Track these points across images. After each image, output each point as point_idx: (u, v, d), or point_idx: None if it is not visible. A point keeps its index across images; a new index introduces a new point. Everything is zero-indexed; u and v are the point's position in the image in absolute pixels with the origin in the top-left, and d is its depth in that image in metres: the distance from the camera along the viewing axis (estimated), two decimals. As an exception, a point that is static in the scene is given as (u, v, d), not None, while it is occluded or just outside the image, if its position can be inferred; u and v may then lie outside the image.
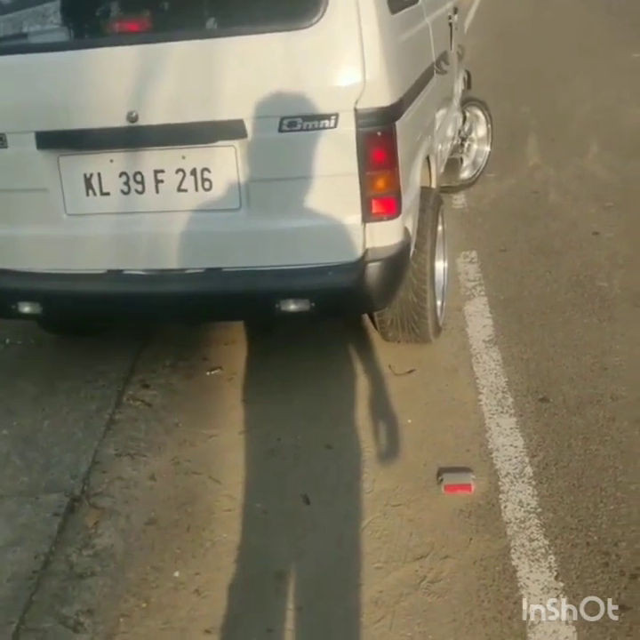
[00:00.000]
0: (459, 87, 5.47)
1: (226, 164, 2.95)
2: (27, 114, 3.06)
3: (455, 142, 5.25)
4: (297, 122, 2.84)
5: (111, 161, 3.04)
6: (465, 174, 5.70)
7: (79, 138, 3.03)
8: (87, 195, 3.10)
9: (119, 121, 2.91)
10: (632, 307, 3.92)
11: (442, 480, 2.87)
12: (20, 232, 3.23)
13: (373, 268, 2.97)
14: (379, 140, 2.88)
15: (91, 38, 3.41)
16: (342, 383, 3.54)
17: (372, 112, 2.84)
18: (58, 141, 3.05)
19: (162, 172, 3.01)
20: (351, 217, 2.94)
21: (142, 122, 2.91)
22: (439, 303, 3.76)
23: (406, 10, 3.46)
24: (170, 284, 3.13)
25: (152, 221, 3.10)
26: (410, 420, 3.24)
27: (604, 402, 3.23)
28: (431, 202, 3.58)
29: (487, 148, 5.85)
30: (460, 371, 3.57)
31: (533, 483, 2.85)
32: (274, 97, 2.85)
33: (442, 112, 4.35)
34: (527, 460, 2.96)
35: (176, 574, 2.59)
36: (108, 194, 3.08)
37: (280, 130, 2.86)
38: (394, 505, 2.81)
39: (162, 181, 3.02)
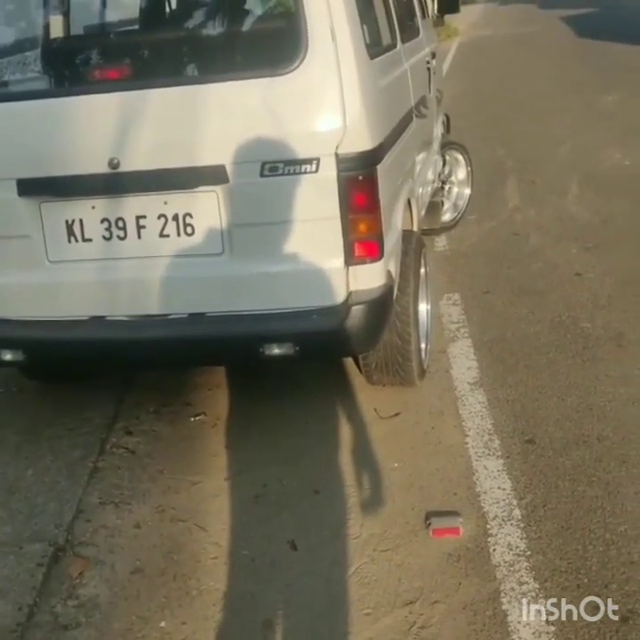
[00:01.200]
0: (438, 130, 5.52)
1: (208, 210, 2.95)
2: (7, 161, 3.05)
3: (435, 185, 5.29)
4: (278, 167, 2.85)
5: (93, 207, 3.03)
6: (446, 217, 5.75)
7: (60, 184, 3.02)
8: (69, 241, 3.08)
9: (100, 167, 2.91)
10: (615, 347, 3.95)
11: (430, 524, 2.85)
12: (2, 279, 3.20)
13: (357, 311, 2.97)
14: (360, 184, 2.90)
15: (71, 86, 3.44)
16: (328, 428, 3.52)
17: (353, 156, 2.85)
18: (39, 188, 3.04)
19: (144, 217, 3.00)
20: (334, 261, 2.95)
21: (124, 168, 2.91)
22: (423, 346, 3.76)
23: (385, 55, 3.50)
24: (153, 329, 3.11)
25: (134, 267, 3.08)
26: (396, 464, 3.22)
27: (590, 442, 3.24)
28: (413, 245, 3.60)
29: (467, 191, 5.92)
30: (445, 413, 3.57)
31: (522, 525, 2.83)
32: (255, 142, 2.87)
33: (422, 156, 4.40)
34: (515, 502, 2.94)
35: (162, 624, 2.55)
36: (90, 240, 3.06)
37: (262, 175, 2.86)
38: (382, 550, 2.79)
39: (144, 227, 3.01)
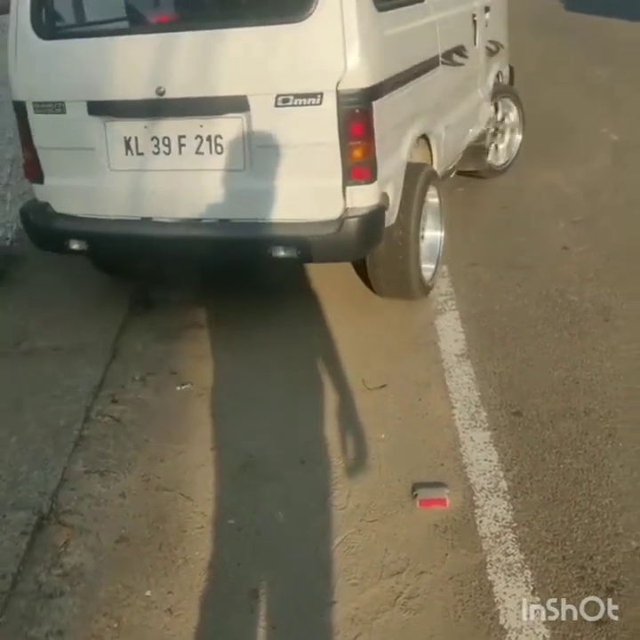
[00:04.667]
0: (489, 79, 5.79)
1: (234, 133, 3.57)
2: (80, 86, 3.77)
3: (482, 130, 5.65)
4: (290, 99, 3.43)
5: (145, 127, 3.72)
6: (500, 161, 6.14)
7: (120, 106, 3.73)
8: (126, 154, 3.78)
9: (150, 94, 3.58)
10: (602, 321, 3.95)
11: (416, 495, 2.86)
12: (72, 183, 3.96)
13: (350, 224, 3.51)
14: (356, 116, 3.42)
15: (129, 27, 4.28)
16: (315, 398, 3.51)
17: (351, 93, 3.39)
18: (104, 109, 3.75)
19: (184, 137, 3.65)
20: (333, 181, 3.50)
21: (168, 95, 3.57)
22: (432, 267, 4.33)
23: (402, 8, 3.95)
24: (189, 231, 3.77)
25: (176, 178, 3.74)
26: (383, 435, 3.22)
27: (576, 416, 3.24)
28: (421, 176, 4.05)
29: (519, 136, 6.24)
30: (432, 385, 3.56)
31: (508, 497, 2.84)
32: (271, 77, 3.47)
33: (453, 99, 4.81)
34: (502, 474, 2.95)
35: (148, 593, 2.54)
36: (142, 154, 3.75)
37: (276, 105, 3.45)
38: (369, 521, 2.79)
39: (184, 145, 3.66)
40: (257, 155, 3.56)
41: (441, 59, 4.44)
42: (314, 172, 3.52)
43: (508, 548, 2.62)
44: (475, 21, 5.20)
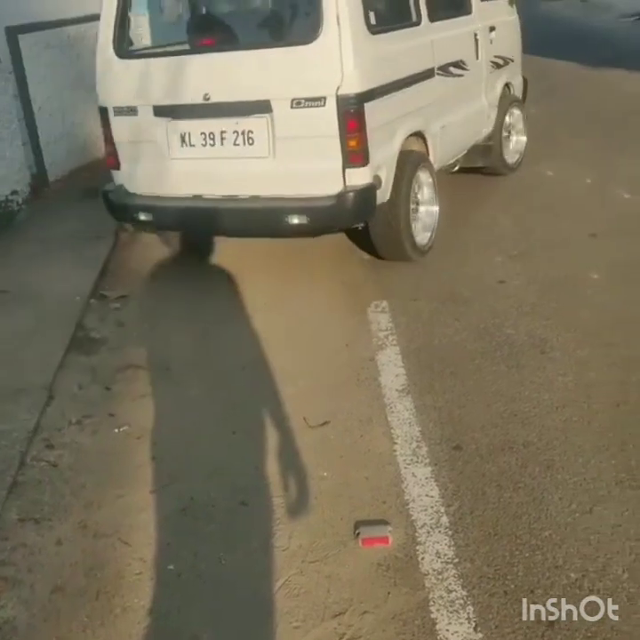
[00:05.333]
0: (497, 89, 6.75)
1: (261, 129, 4.69)
2: (148, 94, 4.95)
3: (488, 132, 6.63)
4: (301, 102, 4.52)
5: (195, 125, 4.86)
6: (513, 159, 7.18)
7: (177, 109, 4.90)
8: (181, 145, 4.93)
9: (199, 99, 4.75)
10: (539, 353, 4.01)
11: (359, 534, 2.84)
12: (141, 169, 5.13)
13: (347, 198, 4.58)
14: (351, 115, 4.47)
15: (182, 49, 5.46)
16: (256, 438, 3.48)
17: (347, 97, 4.45)
18: (166, 111, 4.92)
19: (224, 132, 4.79)
20: (335, 164, 4.56)
21: (213, 100, 4.73)
22: (428, 234, 5.43)
23: (395, 31, 5.04)
24: (228, 204, 4.93)
25: (219, 163, 4.89)
26: (326, 474, 3.20)
27: (515, 448, 3.27)
28: (410, 162, 5.11)
29: (523, 138, 7.30)
30: (374, 421, 3.56)
31: (450, 533, 2.84)
32: (287, 86, 4.56)
33: (450, 103, 5.73)
34: (443, 509, 2.95)
35: (84, 646, 2.46)
36: (194, 145, 4.90)
37: (291, 107, 4.55)
38: (311, 561, 2.76)
39: (224, 138, 4.80)
40: (278, 145, 4.68)
41: (437, 70, 5.46)
42: (320, 158, 4.57)
43: (450, 584, 2.62)
44: (477, 40, 6.16)
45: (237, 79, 4.70)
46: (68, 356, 4.32)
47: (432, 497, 3.03)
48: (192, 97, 4.77)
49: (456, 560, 2.71)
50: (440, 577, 2.65)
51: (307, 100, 4.50)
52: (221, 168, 4.87)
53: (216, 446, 3.46)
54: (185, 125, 4.88)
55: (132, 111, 5.02)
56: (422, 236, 5.37)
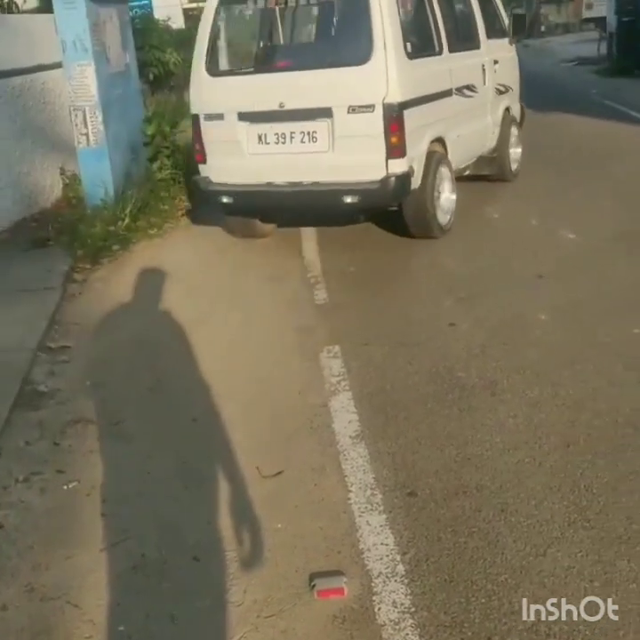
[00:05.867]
0: (498, 109, 8.21)
1: (324, 130, 6.15)
2: (234, 103, 6.43)
3: (493, 145, 8.12)
4: (356, 109, 6.01)
5: (271, 127, 6.30)
6: (513, 167, 8.56)
7: (257, 115, 6.35)
8: (258, 143, 6.38)
9: (275, 107, 6.21)
10: (489, 395, 4.03)
11: (314, 586, 2.80)
12: (225, 163, 6.57)
13: (389, 181, 6.05)
14: (393, 119, 5.96)
15: (261, 68, 7.07)
16: (208, 490, 3.43)
17: (391, 105, 5.95)
18: (247, 117, 6.38)
19: (294, 133, 6.23)
20: (380, 156, 6.02)
21: (286, 108, 6.19)
22: (448, 217, 6.83)
23: (425, 58, 6.55)
24: (295, 188, 6.38)
25: (288, 158, 6.32)
26: (280, 525, 3.16)
27: (469, 492, 3.27)
28: (434, 159, 6.56)
29: (519, 149, 8.76)
30: (328, 469, 3.54)
31: (406, 581, 2.81)
32: (345, 96, 6.05)
33: (463, 117, 7.22)
34: (398, 557, 2.93)
35: None
36: (268, 143, 6.34)
37: (348, 112, 6.04)
38: (266, 616, 2.71)
39: (293, 137, 6.25)
40: (336, 142, 6.12)
41: (454, 91, 7.00)
42: (369, 151, 6.02)
43: (407, 634, 2.59)
44: (484, 69, 7.70)
45: (306, 92, 6.16)
46: (15, 411, 4.23)
47: (387, 545, 3.00)
48: (270, 105, 6.23)
49: (413, 609, 2.69)
50: (397, 627, 2.62)
51: (360, 107, 5.99)
52: (289, 161, 6.30)
53: (167, 501, 3.39)
54: (262, 128, 6.34)
55: (219, 117, 6.47)
56: (444, 218, 6.75)
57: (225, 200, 6.58)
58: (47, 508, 3.41)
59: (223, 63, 7.09)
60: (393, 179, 6.01)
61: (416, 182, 6.24)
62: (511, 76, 8.67)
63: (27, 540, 3.20)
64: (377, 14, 5.95)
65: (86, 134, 7.57)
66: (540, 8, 41.73)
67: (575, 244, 6.36)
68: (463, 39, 7.45)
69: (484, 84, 7.71)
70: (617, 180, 8.34)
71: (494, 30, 8.17)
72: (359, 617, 2.68)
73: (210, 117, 6.50)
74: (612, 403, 3.84)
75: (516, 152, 8.72)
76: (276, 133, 6.25)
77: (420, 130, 6.24)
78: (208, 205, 7.25)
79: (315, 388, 4.29)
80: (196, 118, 6.59)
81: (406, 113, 5.97)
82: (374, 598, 2.75)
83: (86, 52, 7.36)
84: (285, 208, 6.89)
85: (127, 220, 7.29)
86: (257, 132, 6.31)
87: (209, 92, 6.55)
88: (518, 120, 8.94)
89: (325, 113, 6.06)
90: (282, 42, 7.60)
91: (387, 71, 5.91)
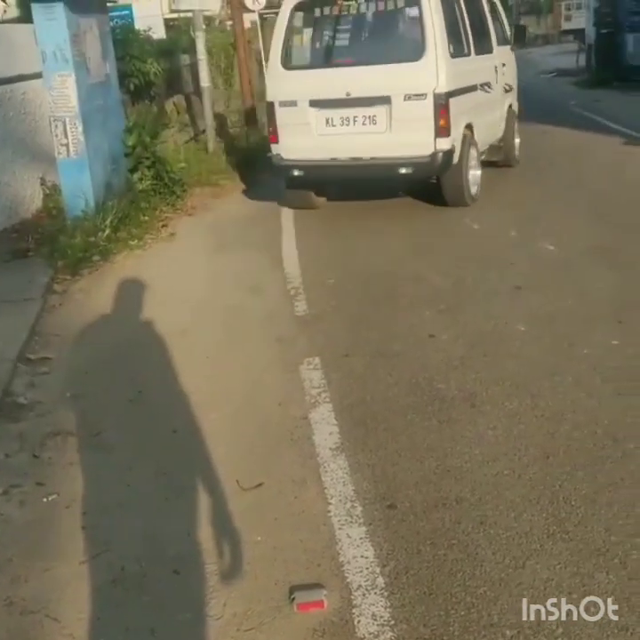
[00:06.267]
0: (504, 105, 9.79)
1: (383, 114, 7.60)
2: (306, 92, 7.87)
3: (500, 136, 9.55)
4: (411, 96, 7.45)
5: (337, 112, 7.74)
6: (516, 154, 10.11)
7: (326, 102, 7.80)
8: (326, 126, 7.82)
9: (342, 95, 7.65)
10: (469, 407, 4.05)
11: (294, 599, 2.80)
12: (298, 142, 7.91)
13: (437, 155, 7.51)
14: (442, 105, 7.42)
15: (332, 64, 8.33)
16: (187, 502, 3.43)
17: (440, 94, 7.42)
18: (318, 103, 7.82)
19: (357, 117, 7.69)
20: (430, 136, 7.46)
21: (352, 96, 7.61)
22: (475, 188, 8.26)
23: (461, 57, 8.11)
24: (356, 162, 7.80)
25: (351, 138, 7.74)
26: (259, 538, 3.16)
27: (449, 505, 3.28)
28: (467, 141, 8.03)
29: (517, 140, 10.19)
30: (308, 481, 3.54)
31: (385, 594, 2.82)
32: (402, 86, 7.51)
33: (484, 109, 8.72)
34: (378, 570, 2.94)
35: None
36: (335, 126, 7.79)
37: (404, 100, 7.48)
38: (245, 630, 2.71)
39: (356, 121, 7.70)
40: (394, 124, 7.56)
41: (478, 86, 8.55)
42: (421, 131, 7.43)
43: (386, 647, 2.59)
44: (496, 70, 9.24)
45: (369, 82, 7.61)
46: (-6, 423, 4.20)
47: (367, 558, 3.01)
48: (338, 94, 7.65)
49: (392, 622, 2.69)
50: (376, 640, 2.62)
51: (414, 95, 7.43)
52: (352, 140, 7.69)
53: (147, 513, 3.39)
54: (330, 113, 7.78)
55: (292, 104, 7.87)
56: (473, 189, 8.19)
57: (296, 173, 7.96)
58: (26, 521, 3.39)
59: (296, 59, 8.50)
60: (440, 154, 7.46)
61: (455, 158, 7.65)
62: (512, 78, 10.30)
63: (6, 552, 3.18)
64: (429, 21, 7.50)
65: (66, 145, 7.56)
66: (519, 19, 42.26)
67: (553, 255, 6.42)
68: (482, 44, 8.93)
69: (496, 82, 9.30)
70: (595, 191, 8.44)
71: (500, 38, 9.76)
72: (339, 630, 2.68)
73: (284, 104, 7.91)
74: (590, 414, 3.88)
75: (516, 142, 10.21)
76: (342, 117, 7.69)
77: (458, 116, 7.68)
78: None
79: (295, 400, 4.30)
80: (270, 105, 8.05)
81: (451, 101, 7.46)
82: (354, 611, 2.76)
83: (66, 63, 7.37)
84: (347, 179, 8.37)
85: (108, 231, 7.28)
86: (325, 116, 7.78)
87: (284, 83, 8.02)
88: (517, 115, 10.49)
89: (385, 100, 7.52)
90: (347, 42, 8.69)
91: (437, 67, 7.44)
